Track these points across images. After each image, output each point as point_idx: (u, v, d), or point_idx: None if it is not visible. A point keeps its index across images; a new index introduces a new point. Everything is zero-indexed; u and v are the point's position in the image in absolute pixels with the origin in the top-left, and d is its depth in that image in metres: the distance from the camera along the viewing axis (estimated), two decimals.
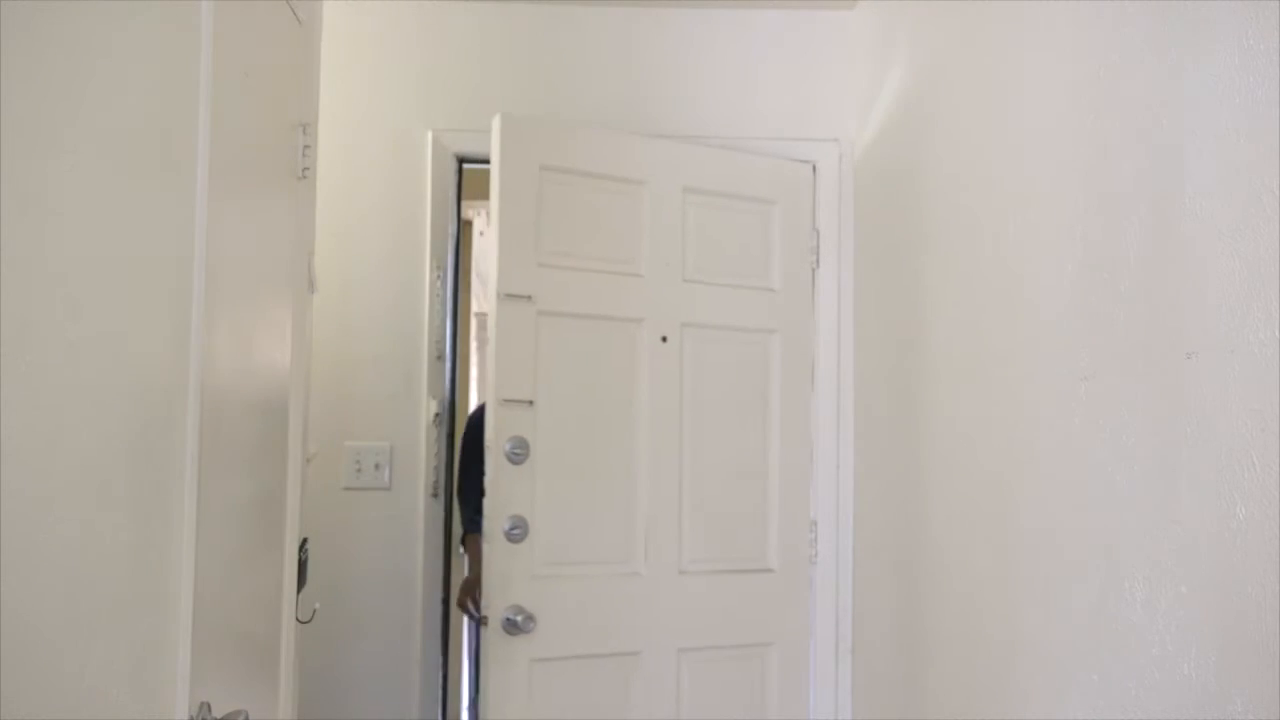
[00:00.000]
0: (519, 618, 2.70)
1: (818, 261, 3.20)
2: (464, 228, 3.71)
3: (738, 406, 3.10)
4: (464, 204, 3.30)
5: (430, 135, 3.14)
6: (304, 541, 2.32)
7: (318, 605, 2.51)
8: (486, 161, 3.36)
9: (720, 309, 3.09)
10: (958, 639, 2.37)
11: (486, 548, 2.75)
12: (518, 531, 2.73)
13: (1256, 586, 1.37)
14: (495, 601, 2.70)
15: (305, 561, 2.32)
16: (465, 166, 3.22)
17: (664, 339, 3.00)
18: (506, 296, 2.80)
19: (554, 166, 2.89)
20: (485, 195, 4.27)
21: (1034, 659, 1.99)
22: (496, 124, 2.82)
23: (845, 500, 3.16)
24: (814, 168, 3.21)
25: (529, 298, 2.83)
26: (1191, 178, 1.54)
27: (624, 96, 3.20)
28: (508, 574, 2.72)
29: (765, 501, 3.12)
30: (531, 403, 2.78)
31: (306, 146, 2.42)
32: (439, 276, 3.14)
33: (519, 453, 2.75)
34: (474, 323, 5.56)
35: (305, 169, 2.42)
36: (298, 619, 2.23)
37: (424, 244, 3.13)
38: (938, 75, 2.62)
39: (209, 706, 1.63)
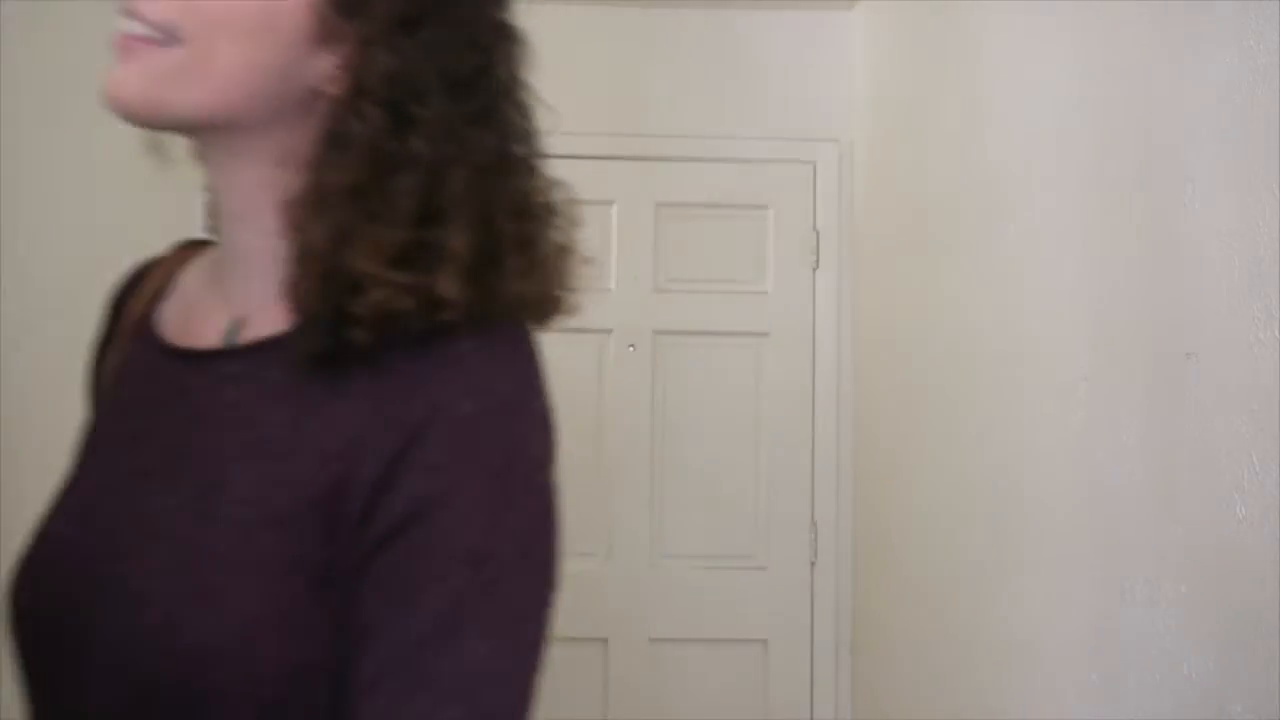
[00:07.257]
0: None
1: (818, 262, 3.20)
2: None
3: (729, 408, 3.16)
4: None
5: None
6: None
7: None
8: None
9: (700, 315, 3.17)
10: (958, 639, 2.37)
11: None
12: None
13: (1256, 586, 1.37)
14: None
15: None
16: None
17: (631, 347, 3.13)
18: None
19: None
20: None
21: (1033, 658, 1.99)
22: None
23: (845, 500, 3.16)
24: (814, 168, 3.21)
25: None
26: (1191, 177, 1.54)
27: (624, 95, 3.20)
28: None
29: (766, 502, 3.17)
30: None
31: None
32: None
33: None
34: None
35: None
36: None
37: None
38: (937, 75, 2.62)
39: None
